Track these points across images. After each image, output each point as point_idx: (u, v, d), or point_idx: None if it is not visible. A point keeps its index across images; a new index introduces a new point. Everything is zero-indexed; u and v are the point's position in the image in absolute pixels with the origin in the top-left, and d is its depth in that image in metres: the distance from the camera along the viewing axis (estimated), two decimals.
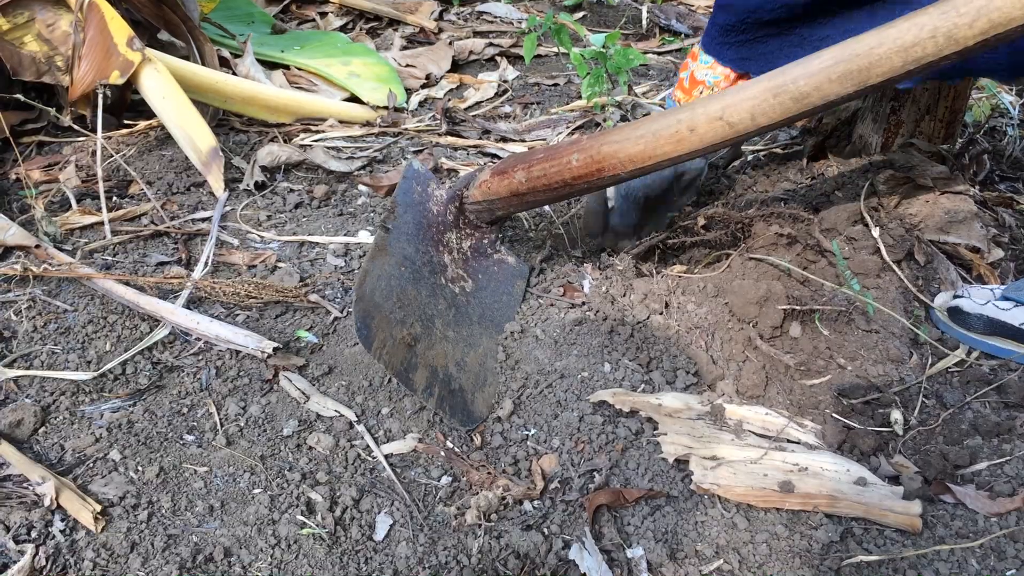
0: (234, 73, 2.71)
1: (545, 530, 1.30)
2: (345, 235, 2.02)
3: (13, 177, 2.21)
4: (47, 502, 1.29)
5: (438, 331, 1.53)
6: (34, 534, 1.26)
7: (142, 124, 2.46)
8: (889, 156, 1.84)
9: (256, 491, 1.36)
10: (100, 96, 2.18)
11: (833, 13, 1.50)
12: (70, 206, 2.09)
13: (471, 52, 3.33)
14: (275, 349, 1.60)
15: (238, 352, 1.62)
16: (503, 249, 1.78)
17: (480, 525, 1.30)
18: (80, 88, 2.23)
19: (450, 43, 3.35)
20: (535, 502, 1.35)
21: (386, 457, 1.43)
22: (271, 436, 1.47)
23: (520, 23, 3.62)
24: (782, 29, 1.54)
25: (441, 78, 3.11)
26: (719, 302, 1.65)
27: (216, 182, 2.18)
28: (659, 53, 3.38)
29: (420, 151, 2.49)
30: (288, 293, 1.75)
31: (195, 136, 2.23)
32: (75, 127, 2.28)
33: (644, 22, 3.63)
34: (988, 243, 1.77)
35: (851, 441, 1.43)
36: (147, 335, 1.66)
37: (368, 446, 1.44)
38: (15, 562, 1.21)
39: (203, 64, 2.53)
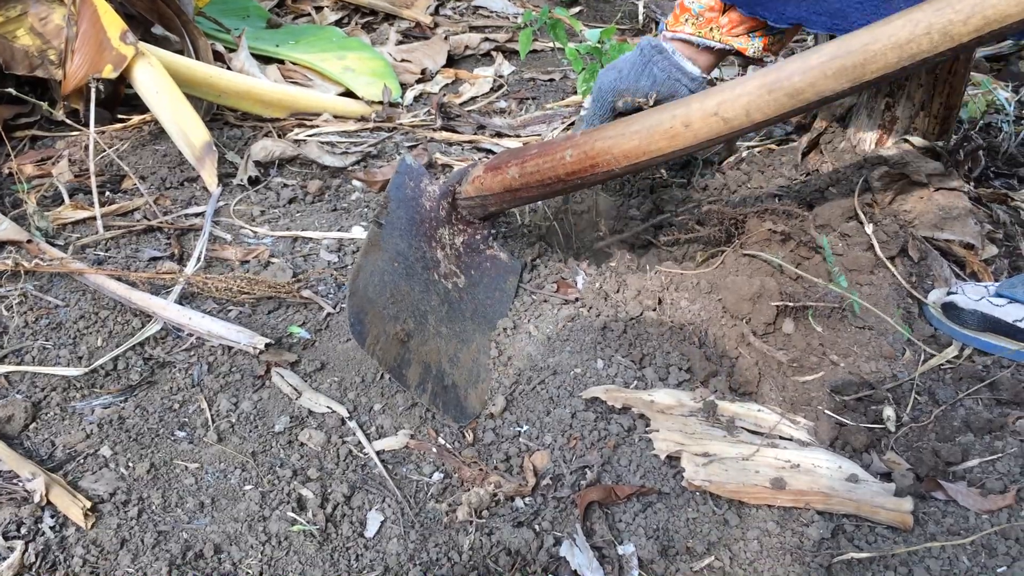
0: (228, 68, 2.70)
1: (536, 527, 1.30)
2: (339, 230, 2.02)
3: (5, 172, 2.21)
4: (37, 498, 1.29)
5: (431, 327, 1.53)
6: (24, 530, 1.25)
7: (135, 119, 2.45)
8: (884, 152, 1.83)
9: (247, 487, 1.36)
10: (93, 90, 2.17)
11: None
12: (63, 201, 2.09)
13: (467, 47, 3.32)
14: (267, 345, 1.60)
15: (230, 348, 1.62)
16: (496, 245, 1.78)
17: (471, 522, 1.30)
18: (73, 82, 2.22)
19: (446, 38, 3.35)
20: (527, 499, 1.35)
21: (378, 453, 1.43)
22: (263, 432, 1.46)
23: (516, 18, 3.61)
24: None
25: (436, 73, 3.11)
26: (712, 298, 1.64)
27: (209, 177, 2.17)
28: None
29: (415, 146, 2.49)
30: (281, 289, 1.74)
31: (189, 131, 2.22)
32: (68, 121, 2.27)
33: (640, 17, 3.62)
34: (982, 240, 1.77)
35: (843, 438, 1.43)
36: (139, 331, 1.66)
37: (360, 442, 1.44)
38: (4, 559, 1.20)
39: (197, 58, 2.52)
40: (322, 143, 2.44)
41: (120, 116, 2.46)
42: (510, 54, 3.31)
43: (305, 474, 1.38)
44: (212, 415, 1.49)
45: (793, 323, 1.60)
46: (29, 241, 1.87)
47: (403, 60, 3.13)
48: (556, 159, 1.52)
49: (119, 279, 1.75)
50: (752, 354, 1.56)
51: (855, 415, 1.47)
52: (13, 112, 2.42)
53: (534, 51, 3.32)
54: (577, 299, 1.72)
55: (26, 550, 1.22)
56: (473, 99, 2.91)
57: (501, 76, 3.09)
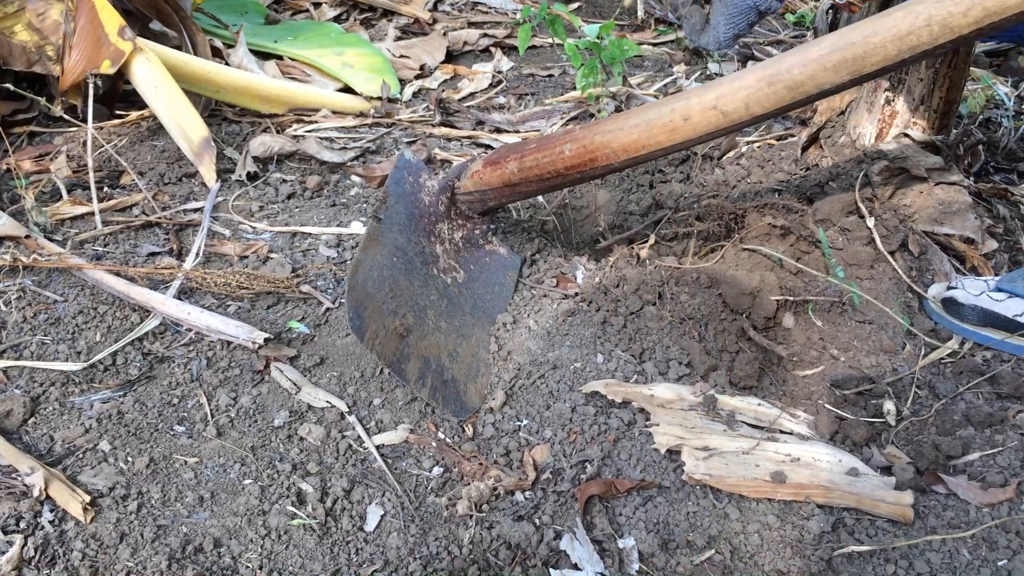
0: (227, 63, 2.69)
1: (536, 521, 1.30)
2: (338, 226, 2.01)
3: (3, 168, 2.20)
4: (36, 493, 1.28)
5: (431, 321, 1.53)
6: (23, 524, 1.25)
7: (134, 114, 2.44)
8: (884, 147, 1.83)
9: (247, 482, 1.35)
10: (91, 86, 2.17)
11: None
12: (61, 196, 2.08)
13: (465, 43, 3.31)
14: (266, 340, 1.59)
15: (229, 343, 1.62)
16: (495, 240, 1.78)
17: (471, 516, 1.30)
18: (71, 78, 2.21)
19: (444, 34, 3.34)
20: (527, 493, 1.35)
21: (377, 448, 1.42)
22: (262, 427, 1.46)
23: (515, 14, 3.60)
24: None
25: (435, 69, 3.10)
26: (712, 293, 1.64)
27: (208, 172, 2.17)
28: (654, 44, 3.36)
29: (414, 142, 2.48)
30: (280, 284, 1.74)
31: (187, 126, 2.21)
32: (66, 117, 2.27)
33: (639, 13, 3.61)
34: (982, 234, 1.77)
35: (844, 432, 1.43)
36: (138, 325, 1.65)
37: (359, 437, 1.44)
38: (3, 552, 1.20)
39: (195, 54, 2.51)
40: (321, 139, 2.43)
41: (118, 112, 2.46)
42: (509, 50, 3.30)
43: (305, 468, 1.38)
44: (211, 410, 1.49)
45: (793, 317, 1.60)
46: (27, 236, 1.87)
47: (402, 56, 3.12)
48: (555, 153, 1.52)
49: (118, 274, 1.74)
50: (752, 348, 1.56)
51: (855, 409, 1.47)
52: (11, 108, 2.42)
53: (533, 47, 3.32)
54: (577, 294, 1.72)
55: (25, 544, 1.22)
56: (472, 95, 2.90)
57: (500, 72, 3.08)
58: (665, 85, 2.88)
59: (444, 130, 2.55)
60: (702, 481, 1.33)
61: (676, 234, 1.81)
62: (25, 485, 1.30)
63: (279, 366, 1.57)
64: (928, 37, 1.19)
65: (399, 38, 3.35)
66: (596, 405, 1.48)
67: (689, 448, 1.36)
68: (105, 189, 2.15)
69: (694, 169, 2.13)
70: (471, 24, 3.50)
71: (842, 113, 2.00)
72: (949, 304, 1.62)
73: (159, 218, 2.02)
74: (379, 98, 2.74)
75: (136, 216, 2.04)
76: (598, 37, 2.53)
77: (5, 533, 1.23)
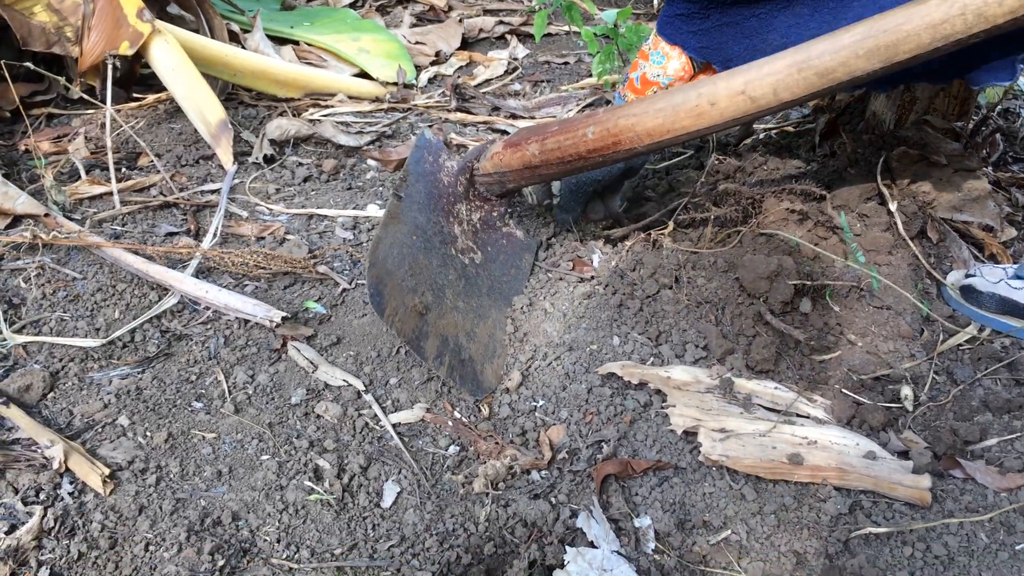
0: (243, 47, 2.70)
1: (553, 499, 1.30)
2: (354, 209, 2.02)
3: (23, 148, 2.21)
4: (56, 465, 1.29)
5: (448, 301, 1.53)
6: (43, 496, 1.26)
7: (151, 97, 2.45)
8: (903, 133, 1.82)
9: (264, 457, 1.36)
10: (110, 67, 2.17)
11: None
12: (79, 176, 2.09)
13: (481, 30, 3.31)
14: (283, 319, 1.60)
15: (247, 321, 1.62)
16: (512, 223, 1.78)
17: (487, 494, 1.30)
18: (90, 59, 2.22)
19: (460, 21, 3.34)
20: (543, 472, 1.35)
21: (394, 426, 1.43)
22: (279, 404, 1.47)
23: (530, 1, 3.60)
24: (735, 19, 1.52)
25: (451, 55, 3.10)
26: (729, 277, 1.64)
27: (225, 155, 2.17)
28: None
29: (430, 126, 2.48)
30: (297, 264, 1.74)
31: (204, 109, 2.22)
32: (85, 97, 2.28)
33: (655, 0, 3.60)
34: (1001, 222, 1.76)
35: (860, 416, 1.42)
36: (156, 303, 1.66)
37: (376, 415, 1.44)
38: (23, 523, 1.21)
39: (212, 38, 2.52)
40: (337, 123, 2.44)
41: (136, 95, 2.46)
42: (524, 37, 3.30)
43: (322, 445, 1.38)
44: (229, 387, 1.50)
45: (811, 302, 1.59)
46: (46, 215, 1.88)
47: (417, 42, 3.12)
48: (578, 136, 1.51)
49: (136, 253, 1.75)
50: (769, 332, 1.55)
51: (872, 394, 1.46)
52: (30, 89, 2.43)
53: (549, 34, 3.31)
54: (593, 277, 1.71)
55: (45, 515, 1.23)
56: (487, 81, 2.90)
57: (515, 59, 3.08)
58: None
59: (460, 115, 2.55)
60: (718, 462, 1.33)
61: (693, 220, 1.80)
62: (45, 458, 1.31)
63: (296, 345, 1.57)
64: (962, 26, 1.18)
65: (415, 25, 3.35)
66: (612, 387, 1.48)
67: (706, 429, 1.36)
68: (123, 170, 2.17)
69: (710, 156, 2.12)
70: (487, 12, 3.50)
71: (861, 100, 1.98)
72: (967, 291, 1.61)
73: (176, 199, 2.02)
74: (395, 83, 2.75)
75: (154, 197, 2.05)
76: (615, 24, 2.52)
77: (25, 504, 1.24)
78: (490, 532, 1.25)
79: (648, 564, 1.20)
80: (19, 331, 1.59)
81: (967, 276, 1.64)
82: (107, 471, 1.30)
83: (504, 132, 2.47)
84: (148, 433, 1.40)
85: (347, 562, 1.21)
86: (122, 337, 1.58)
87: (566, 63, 3.06)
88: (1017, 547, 1.20)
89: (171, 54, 2.24)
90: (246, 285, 1.73)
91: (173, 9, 2.65)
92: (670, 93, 1.44)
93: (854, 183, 1.75)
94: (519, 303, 1.66)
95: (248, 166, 2.21)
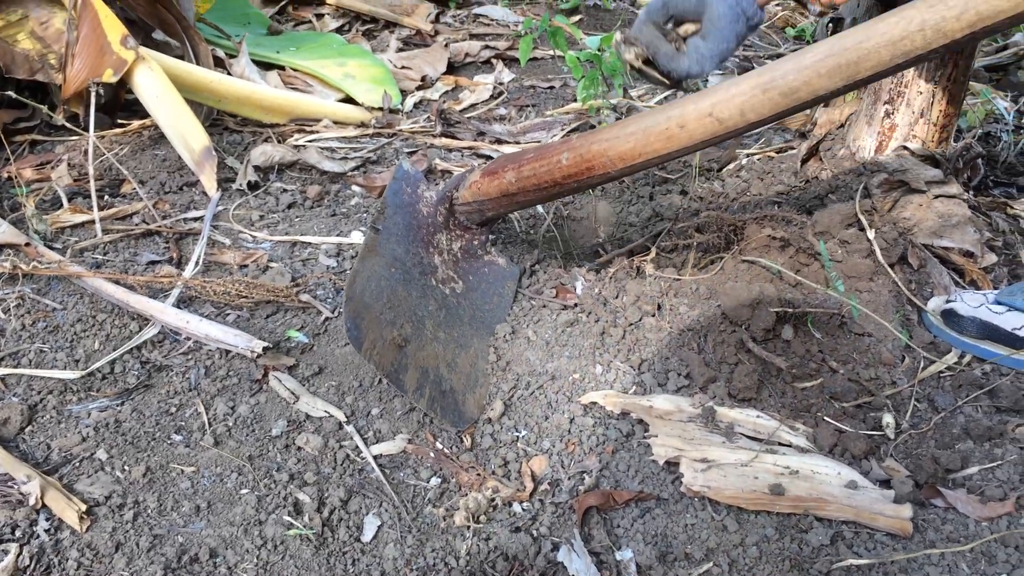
0: (229, 73, 2.70)
1: (534, 532, 1.29)
2: (338, 235, 2.02)
3: (4, 175, 2.20)
4: (32, 501, 1.28)
5: (429, 332, 1.53)
6: (18, 533, 1.24)
7: (135, 123, 2.45)
8: (883, 160, 1.83)
9: (243, 491, 1.35)
10: (93, 94, 2.17)
11: None
12: (61, 204, 2.08)
13: (467, 54, 3.32)
14: (265, 349, 1.59)
15: (228, 352, 1.61)
16: (493, 251, 1.78)
17: (469, 527, 1.30)
18: (73, 86, 2.22)
19: (446, 45, 3.35)
20: (524, 504, 1.34)
21: (375, 458, 1.42)
22: (260, 436, 1.46)
23: (516, 26, 3.62)
24: None
25: (437, 80, 3.11)
26: (711, 304, 1.64)
27: (209, 181, 2.17)
28: None
29: (414, 152, 2.49)
30: (279, 293, 1.74)
31: (188, 135, 2.22)
32: (68, 125, 2.27)
33: None
34: (981, 248, 1.77)
35: (843, 444, 1.42)
36: (136, 334, 1.65)
37: (357, 447, 1.44)
38: None
39: (198, 64, 2.52)
40: (322, 148, 2.44)
41: (120, 121, 2.46)
42: (510, 61, 3.31)
43: (302, 478, 1.37)
44: (209, 419, 1.49)
45: (792, 329, 1.59)
46: (27, 244, 1.87)
47: (403, 67, 3.13)
48: (552, 163, 1.52)
49: (117, 282, 1.74)
50: (751, 360, 1.55)
51: (854, 422, 1.46)
52: (13, 116, 2.43)
53: (534, 59, 3.33)
54: (576, 304, 1.71)
55: (20, 553, 1.21)
56: (473, 106, 2.91)
57: (501, 83, 3.09)
58: (666, 97, 2.89)
59: (445, 141, 2.55)
60: (700, 493, 1.32)
61: (676, 246, 1.81)
62: (21, 493, 1.30)
63: (277, 375, 1.56)
64: (922, 41, 1.19)
65: (401, 49, 3.36)
66: (594, 416, 1.48)
67: (688, 460, 1.36)
68: (106, 197, 2.16)
69: (693, 181, 2.13)
70: (473, 36, 3.51)
71: (842, 126, 2.00)
72: (948, 316, 1.62)
73: (159, 227, 2.02)
74: (380, 108, 2.75)
75: (136, 224, 2.04)
76: (599, 49, 2.54)
77: (0, 541, 1.23)
78: (471, 567, 1.24)
79: None
80: None
81: (948, 302, 1.64)
82: (84, 507, 1.28)
83: (489, 157, 2.48)
84: (126, 467, 1.38)
85: None
86: (101, 368, 1.57)
87: (551, 87, 3.07)
88: None
89: (155, 81, 2.24)
90: (228, 314, 1.73)
91: (158, 35, 2.66)
92: (642, 116, 1.45)
93: (835, 209, 1.76)
94: (502, 331, 1.65)
95: (232, 193, 2.21)
